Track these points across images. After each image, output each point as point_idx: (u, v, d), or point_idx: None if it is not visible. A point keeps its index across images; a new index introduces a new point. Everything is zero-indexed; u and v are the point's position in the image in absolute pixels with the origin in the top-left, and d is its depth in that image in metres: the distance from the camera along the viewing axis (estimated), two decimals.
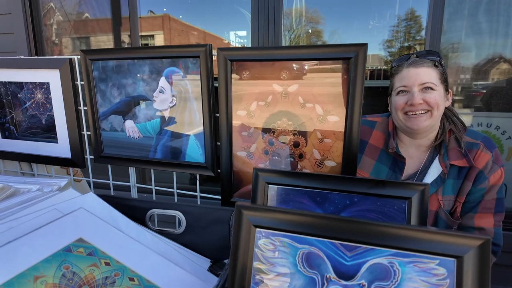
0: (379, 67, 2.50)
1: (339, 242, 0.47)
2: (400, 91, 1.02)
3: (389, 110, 1.12)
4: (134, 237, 0.69)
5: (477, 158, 0.99)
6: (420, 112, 0.98)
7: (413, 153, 1.08)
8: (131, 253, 0.64)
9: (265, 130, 0.87)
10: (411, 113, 1.00)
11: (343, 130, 0.78)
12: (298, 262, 0.48)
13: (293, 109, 0.83)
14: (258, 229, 0.50)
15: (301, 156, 0.85)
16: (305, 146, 0.84)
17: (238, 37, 2.97)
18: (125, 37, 2.68)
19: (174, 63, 0.93)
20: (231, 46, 2.88)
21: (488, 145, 1.00)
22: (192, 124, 0.96)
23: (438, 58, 1.00)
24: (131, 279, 0.58)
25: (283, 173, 0.69)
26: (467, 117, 1.95)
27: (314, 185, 0.67)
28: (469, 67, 2.00)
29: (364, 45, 0.71)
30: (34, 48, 2.29)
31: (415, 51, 1.09)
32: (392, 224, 0.45)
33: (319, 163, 0.83)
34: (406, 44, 2.23)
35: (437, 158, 1.03)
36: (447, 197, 1.00)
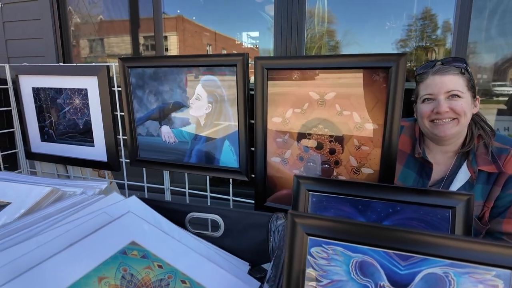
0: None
1: (393, 251, 0.48)
2: (425, 99, 1.02)
3: (415, 116, 1.13)
4: (180, 241, 0.72)
5: (507, 163, 0.99)
6: (446, 120, 0.98)
7: (439, 158, 1.09)
8: (180, 256, 0.66)
9: (300, 137, 0.89)
10: (437, 121, 1.00)
11: (381, 138, 0.79)
12: (352, 270, 0.50)
13: (329, 117, 0.84)
14: (310, 237, 0.52)
15: (337, 163, 0.86)
16: (342, 153, 0.85)
17: (251, 38, 2.99)
18: (141, 39, 2.74)
19: (211, 70, 0.96)
20: (243, 46, 2.91)
21: None
22: (226, 130, 0.99)
23: (465, 65, 0.99)
24: (183, 282, 0.61)
25: (324, 181, 0.71)
26: (491, 121, 1.92)
27: (355, 193, 0.68)
28: (491, 67, 1.98)
29: (404, 55, 0.72)
30: (62, 53, 2.36)
31: (437, 58, 1.08)
32: (446, 235, 0.46)
33: (355, 170, 0.84)
34: (427, 43, 2.20)
35: (465, 164, 1.04)
36: (476, 202, 1.00)
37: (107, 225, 0.66)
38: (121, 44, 2.91)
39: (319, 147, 0.87)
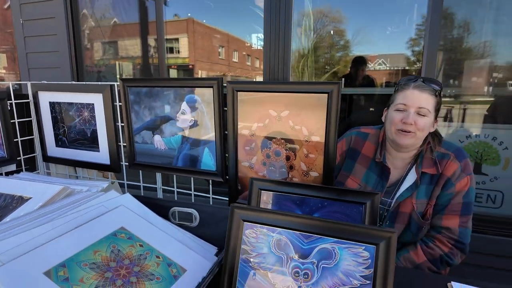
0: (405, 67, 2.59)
1: (300, 232, 0.67)
2: (399, 107, 1.13)
3: (383, 120, 1.25)
4: (160, 227, 0.92)
5: (446, 167, 1.13)
6: (408, 130, 1.10)
7: (398, 164, 1.24)
8: (158, 239, 0.87)
9: (263, 146, 1.08)
10: (401, 131, 1.12)
11: (323, 148, 0.98)
12: (272, 246, 0.69)
13: (285, 130, 1.04)
14: (245, 223, 0.72)
15: (291, 168, 1.05)
16: (295, 159, 1.04)
17: (260, 40, 3.12)
18: (151, 41, 2.96)
19: (193, 91, 1.17)
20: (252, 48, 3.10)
21: (458, 156, 1.14)
22: (206, 139, 1.19)
23: (440, 89, 1.13)
24: (158, 257, 0.81)
25: (271, 181, 0.90)
26: (465, 128, 2.06)
27: (295, 191, 0.88)
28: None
29: (338, 83, 0.91)
30: (76, 65, 2.62)
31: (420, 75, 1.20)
32: (333, 221, 0.65)
33: (305, 173, 1.03)
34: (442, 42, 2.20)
35: (414, 167, 1.20)
36: (420, 201, 1.16)
37: (103, 215, 0.87)
38: (129, 47, 3.15)
39: (278, 154, 1.06)
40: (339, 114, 0.93)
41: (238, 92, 1.07)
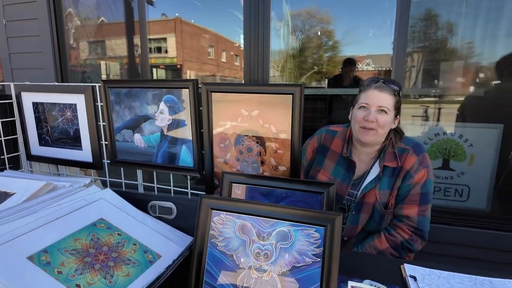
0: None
1: (260, 218, 0.76)
2: (361, 106, 1.23)
3: (349, 119, 1.34)
4: (138, 219, 0.99)
5: (405, 160, 1.23)
6: (370, 127, 1.21)
7: (363, 158, 1.34)
8: (135, 229, 0.94)
9: (236, 143, 1.16)
10: (363, 128, 1.23)
11: (290, 144, 1.06)
12: (236, 231, 0.77)
13: (255, 128, 1.12)
14: (213, 210, 0.79)
15: (262, 163, 1.14)
16: (265, 155, 1.13)
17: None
18: (136, 40, 2.98)
19: (171, 91, 1.24)
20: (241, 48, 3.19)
21: (416, 150, 1.25)
22: (183, 137, 1.26)
23: (399, 89, 1.23)
24: (134, 244, 0.88)
25: (241, 175, 0.99)
26: (435, 126, 2.19)
27: (262, 183, 0.96)
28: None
29: (300, 85, 0.99)
30: (60, 66, 2.64)
31: (383, 77, 1.29)
32: (288, 207, 0.73)
33: (275, 167, 1.12)
34: (422, 44, 2.30)
35: (377, 161, 1.30)
36: (383, 192, 1.26)
37: (84, 207, 0.93)
38: (115, 47, 3.17)
39: (249, 150, 1.15)
40: (302, 113, 1.02)
41: (212, 93, 1.15)
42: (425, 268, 0.96)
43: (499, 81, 2.09)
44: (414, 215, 1.22)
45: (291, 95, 1.02)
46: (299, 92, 1.00)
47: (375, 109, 1.20)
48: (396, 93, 1.22)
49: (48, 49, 2.62)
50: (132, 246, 0.87)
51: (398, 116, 1.28)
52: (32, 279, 0.68)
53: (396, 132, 1.30)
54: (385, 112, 1.20)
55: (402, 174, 1.24)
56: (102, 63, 3.26)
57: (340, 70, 3.25)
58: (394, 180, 1.25)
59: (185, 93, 1.21)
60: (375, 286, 0.74)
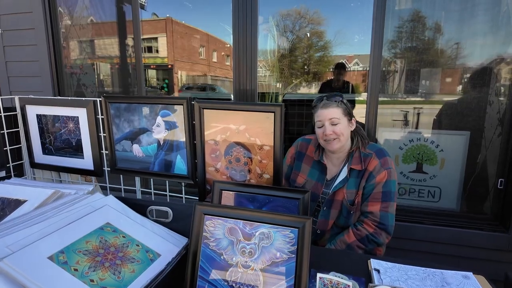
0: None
1: (246, 221, 0.90)
2: (318, 124, 1.44)
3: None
4: (139, 222, 1.13)
5: (369, 163, 1.41)
6: (331, 139, 1.40)
7: (335, 162, 1.51)
8: (137, 232, 1.07)
9: (226, 153, 1.31)
10: (326, 140, 1.41)
11: (272, 155, 1.21)
12: (226, 232, 0.92)
13: (243, 141, 1.26)
14: (205, 215, 0.94)
15: (249, 171, 1.29)
16: (251, 164, 1.27)
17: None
18: (129, 41, 3.05)
19: (167, 107, 1.37)
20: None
21: (379, 155, 1.42)
22: (178, 148, 1.40)
23: (340, 99, 1.42)
24: (137, 245, 1.02)
25: (230, 183, 1.13)
26: (403, 133, 2.37)
27: (248, 190, 1.11)
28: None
29: (280, 105, 1.14)
30: (56, 74, 2.75)
31: (326, 95, 1.46)
32: (269, 212, 0.88)
33: (260, 175, 1.27)
34: (409, 44, 2.38)
35: (346, 165, 1.47)
36: (350, 191, 1.43)
37: (91, 213, 1.07)
38: (108, 47, 3.24)
39: (238, 160, 1.29)
40: (283, 128, 1.17)
41: (204, 109, 1.29)
42: (388, 262, 1.12)
43: (465, 93, 2.28)
44: (377, 211, 1.39)
45: (273, 113, 1.17)
46: (279, 111, 1.15)
47: (328, 123, 1.39)
48: (339, 103, 1.40)
49: (44, 58, 2.71)
50: (135, 247, 1.01)
51: (352, 119, 1.46)
52: (54, 276, 0.81)
53: (362, 139, 1.47)
54: (338, 122, 1.39)
55: (366, 175, 1.41)
56: (97, 73, 3.34)
57: (332, 73, 3.43)
58: (359, 180, 1.43)
59: (180, 108, 1.35)
60: (339, 277, 0.90)
